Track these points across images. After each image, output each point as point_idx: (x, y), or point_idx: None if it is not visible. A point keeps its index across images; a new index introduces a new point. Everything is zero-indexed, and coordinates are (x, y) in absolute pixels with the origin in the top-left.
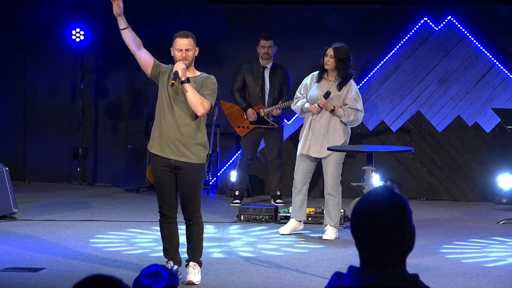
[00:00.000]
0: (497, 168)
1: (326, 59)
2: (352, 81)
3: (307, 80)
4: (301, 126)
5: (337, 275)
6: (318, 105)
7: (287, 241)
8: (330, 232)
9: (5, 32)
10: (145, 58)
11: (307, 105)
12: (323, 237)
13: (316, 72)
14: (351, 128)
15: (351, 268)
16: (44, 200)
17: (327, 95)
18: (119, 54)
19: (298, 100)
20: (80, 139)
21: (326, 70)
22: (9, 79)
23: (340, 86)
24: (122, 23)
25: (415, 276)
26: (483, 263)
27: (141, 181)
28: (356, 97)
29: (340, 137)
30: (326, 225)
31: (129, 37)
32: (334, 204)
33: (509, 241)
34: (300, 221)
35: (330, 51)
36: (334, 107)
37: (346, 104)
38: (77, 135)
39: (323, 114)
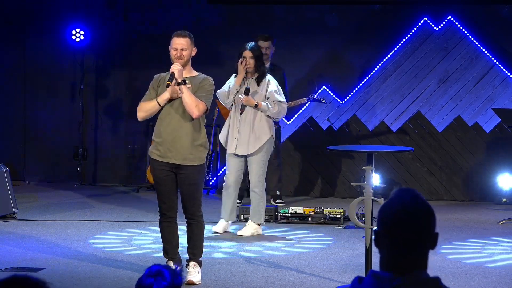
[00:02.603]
0: (497, 168)
1: (245, 62)
2: (269, 75)
3: (230, 83)
4: (302, 126)
5: (358, 280)
6: (242, 103)
7: (287, 241)
8: (248, 228)
9: (5, 32)
10: (153, 105)
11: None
12: (238, 232)
13: (234, 75)
14: (349, 128)
15: (372, 272)
16: (44, 200)
17: (247, 91)
18: (119, 54)
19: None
20: (80, 139)
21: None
22: (9, 79)
23: (258, 82)
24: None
25: (437, 279)
26: (483, 263)
27: (141, 181)
28: (276, 89)
29: (266, 133)
30: (252, 221)
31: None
32: (256, 202)
33: (509, 241)
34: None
35: (248, 53)
36: (257, 102)
37: (268, 98)
38: (77, 135)
39: (248, 111)
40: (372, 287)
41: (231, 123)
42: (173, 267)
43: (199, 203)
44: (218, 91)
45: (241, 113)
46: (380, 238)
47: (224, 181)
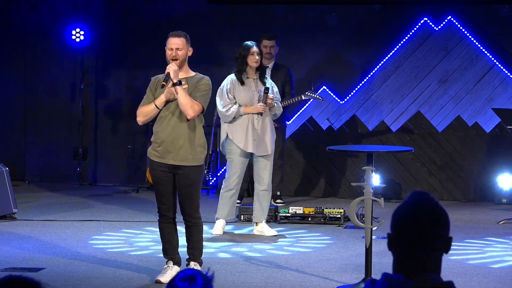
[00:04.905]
0: (497, 168)
1: (252, 57)
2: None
3: (227, 86)
4: (302, 126)
5: (371, 282)
6: (265, 102)
7: (287, 241)
8: (268, 228)
9: (5, 32)
10: (151, 108)
11: (241, 108)
12: (268, 234)
13: (232, 75)
14: (349, 128)
15: (385, 275)
16: (44, 200)
17: (267, 90)
18: (119, 54)
19: (231, 106)
20: (80, 139)
21: (244, 71)
22: (9, 79)
23: (262, 81)
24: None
25: (450, 283)
26: (484, 263)
27: (141, 181)
28: (277, 89)
29: (274, 131)
30: (261, 221)
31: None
32: (269, 200)
33: (509, 241)
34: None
35: (256, 50)
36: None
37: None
38: (77, 135)
39: (265, 112)
40: None
41: (250, 125)
42: (204, 272)
43: (197, 204)
44: (221, 109)
45: (261, 114)
46: (390, 241)
47: (225, 182)
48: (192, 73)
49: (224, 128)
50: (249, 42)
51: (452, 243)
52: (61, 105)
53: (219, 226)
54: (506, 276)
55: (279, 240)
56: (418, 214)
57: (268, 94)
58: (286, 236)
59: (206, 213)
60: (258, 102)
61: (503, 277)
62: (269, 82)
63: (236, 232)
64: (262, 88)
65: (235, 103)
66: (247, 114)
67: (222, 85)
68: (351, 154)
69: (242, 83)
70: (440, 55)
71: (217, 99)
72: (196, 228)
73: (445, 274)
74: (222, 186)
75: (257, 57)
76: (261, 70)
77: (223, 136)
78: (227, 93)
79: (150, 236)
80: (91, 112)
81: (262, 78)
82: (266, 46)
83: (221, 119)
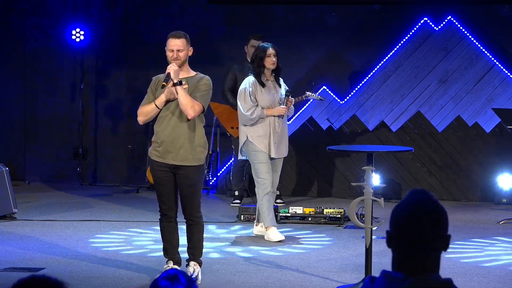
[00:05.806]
0: (497, 168)
1: (269, 59)
2: None
3: (249, 88)
4: (302, 126)
5: (370, 279)
6: (285, 104)
7: (287, 241)
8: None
9: (5, 32)
10: (152, 108)
11: (264, 111)
12: (279, 239)
13: (251, 78)
14: (349, 128)
15: (384, 272)
16: (44, 200)
17: (289, 93)
18: (119, 54)
19: (255, 109)
20: (80, 139)
21: (262, 73)
22: (9, 79)
23: (278, 83)
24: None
25: (449, 281)
26: (483, 263)
27: (141, 181)
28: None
29: (288, 133)
30: (266, 225)
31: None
32: (273, 200)
33: (509, 241)
34: None
35: (272, 51)
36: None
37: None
38: (77, 135)
39: (284, 115)
40: (384, 287)
41: (271, 128)
42: (189, 273)
43: (198, 204)
44: (245, 112)
45: (282, 117)
46: (390, 239)
47: (260, 186)
48: (193, 73)
49: (243, 131)
50: (265, 44)
51: (452, 243)
52: (61, 105)
53: (276, 233)
54: (506, 276)
55: (279, 240)
56: (418, 214)
57: (289, 97)
58: (286, 236)
59: (207, 212)
60: (279, 105)
61: (503, 277)
62: (283, 84)
63: (237, 232)
64: (280, 90)
65: (257, 105)
66: (269, 117)
67: (242, 87)
68: (350, 154)
69: (263, 85)
70: (440, 55)
71: (239, 102)
72: (197, 227)
73: (445, 274)
74: (259, 192)
75: (274, 59)
76: (277, 72)
77: (242, 139)
78: (249, 96)
79: (150, 236)
80: (91, 112)
81: (277, 80)
82: (254, 46)
83: (240, 121)
